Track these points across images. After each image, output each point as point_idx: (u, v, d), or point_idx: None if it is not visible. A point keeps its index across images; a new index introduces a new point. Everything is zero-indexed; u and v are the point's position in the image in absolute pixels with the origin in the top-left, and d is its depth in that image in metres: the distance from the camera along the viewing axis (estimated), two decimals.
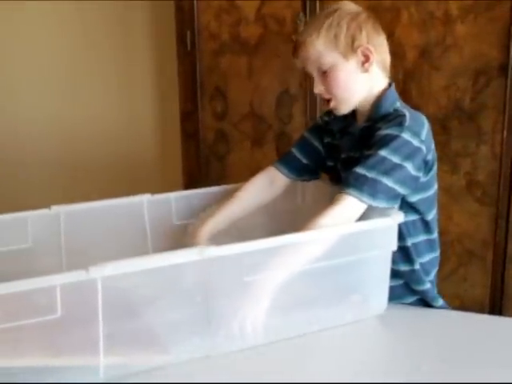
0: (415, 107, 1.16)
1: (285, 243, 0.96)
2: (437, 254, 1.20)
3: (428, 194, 1.14)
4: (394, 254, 1.08)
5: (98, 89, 2.46)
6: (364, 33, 1.10)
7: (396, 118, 1.09)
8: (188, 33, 2.03)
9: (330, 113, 1.23)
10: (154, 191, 1.30)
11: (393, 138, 1.05)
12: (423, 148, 1.07)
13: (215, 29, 2.01)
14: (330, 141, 1.26)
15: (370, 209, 1.04)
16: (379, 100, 1.14)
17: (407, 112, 1.09)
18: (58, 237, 1.20)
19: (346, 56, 1.10)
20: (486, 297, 1.77)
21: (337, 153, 1.23)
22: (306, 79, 1.89)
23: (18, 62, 2.40)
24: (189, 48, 2.04)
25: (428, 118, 1.12)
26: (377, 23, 1.14)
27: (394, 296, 1.13)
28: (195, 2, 2.00)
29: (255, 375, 0.92)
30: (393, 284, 1.12)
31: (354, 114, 1.19)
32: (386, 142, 1.05)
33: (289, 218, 1.34)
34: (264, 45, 1.94)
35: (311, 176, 1.32)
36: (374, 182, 1.03)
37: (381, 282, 1.08)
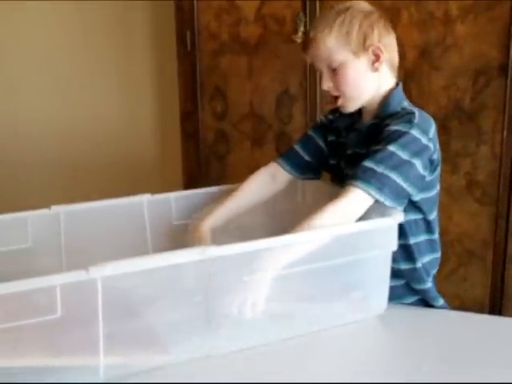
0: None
1: (285, 243, 0.96)
2: (437, 255, 1.20)
3: (431, 194, 1.14)
4: (396, 252, 1.07)
5: (98, 89, 2.46)
6: (376, 31, 1.10)
7: (405, 116, 1.09)
8: (188, 33, 2.03)
9: (335, 111, 1.23)
10: (154, 191, 1.30)
11: (402, 134, 1.05)
12: (431, 146, 1.08)
13: (215, 29, 2.01)
14: (335, 139, 1.26)
15: (371, 209, 1.04)
16: (386, 99, 1.14)
17: (416, 110, 1.10)
18: (57, 237, 1.20)
19: (356, 54, 1.10)
20: (485, 297, 1.77)
21: (341, 151, 1.23)
22: (306, 79, 1.89)
23: (18, 61, 2.40)
24: (189, 48, 2.04)
25: None
26: (387, 22, 1.14)
27: (395, 296, 1.13)
28: (195, 1, 2.00)
29: (255, 375, 0.92)
30: (393, 284, 1.12)
31: (360, 111, 1.19)
32: (395, 137, 1.05)
33: (289, 217, 1.34)
34: (264, 45, 1.94)
35: (312, 174, 1.31)
36: (382, 176, 1.03)
37: (381, 281, 1.08)
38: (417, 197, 1.10)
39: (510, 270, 1.72)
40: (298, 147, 1.30)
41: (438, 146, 1.12)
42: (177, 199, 1.30)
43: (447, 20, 1.67)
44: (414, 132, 1.06)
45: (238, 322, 0.98)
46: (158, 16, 2.39)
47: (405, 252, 1.13)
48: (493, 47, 1.63)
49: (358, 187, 1.02)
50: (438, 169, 1.14)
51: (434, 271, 1.20)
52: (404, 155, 1.04)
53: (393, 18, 1.70)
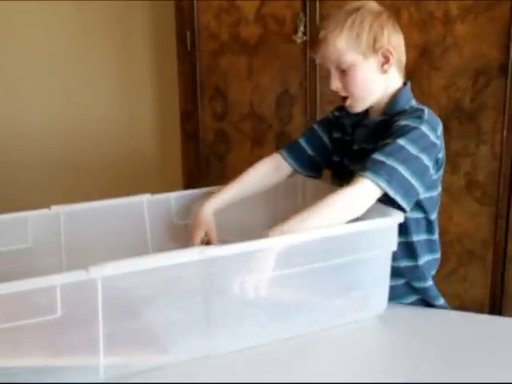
0: None
1: (285, 243, 0.96)
2: (437, 256, 1.20)
3: (434, 194, 1.15)
4: (398, 250, 1.07)
5: (98, 89, 2.46)
6: (386, 33, 1.11)
7: (415, 112, 1.10)
8: (188, 33, 2.03)
9: (341, 108, 1.23)
10: (154, 191, 1.30)
11: (411, 128, 1.06)
12: (438, 144, 1.08)
13: (215, 29, 2.01)
14: (340, 136, 1.26)
15: (371, 209, 1.04)
16: (395, 98, 1.15)
17: (425, 108, 1.10)
18: (57, 237, 1.19)
19: (366, 56, 1.10)
20: (485, 297, 1.77)
21: (345, 148, 1.23)
22: (306, 79, 1.89)
23: (18, 62, 2.40)
24: (189, 48, 2.04)
25: None
26: (396, 22, 1.15)
27: (395, 296, 1.14)
28: (195, 1, 2.00)
29: (255, 375, 0.92)
30: (393, 283, 1.12)
31: (367, 110, 1.19)
32: (404, 132, 1.05)
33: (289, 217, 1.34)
34: (264, 45, 1.94)
35: (313, 171, 1.31)
36: (391, 168, 1.02)
37: (381, 281, 1.08)
38: (421, 195, 1.10)
39: (510, 269, 1.72)
40: (302, 141, 1.30)
41: (443, 145, 1.12)
42: (177, 199, 1.30)
43: (447, 20, 1.67)
44: (424, 128, 1.06)
45: (238, 322, 0.98)
46: (158, 16, 2.39)
47: (407, 249, 1.13)
48: (493, 47, 1.63)
49: (367, 178, 1.02)
50: (442, 169, 1.14)
51: (433, 272, 1.20)
52: (413, 150, 1.04)
53: None
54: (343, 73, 1.12)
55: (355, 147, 1.19)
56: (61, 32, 2.38)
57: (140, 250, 1.20)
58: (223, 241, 1.19)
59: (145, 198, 1.27)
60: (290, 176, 1.31)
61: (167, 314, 0.93)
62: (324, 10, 1.80)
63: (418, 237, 1.15)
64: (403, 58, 1.16)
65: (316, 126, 1.31)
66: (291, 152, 1.29)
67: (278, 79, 1.95)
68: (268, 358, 0.98)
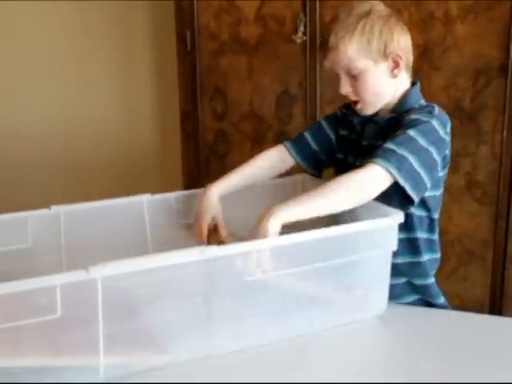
0: None
1: (285, 243, 0.96)
2: (436, 255, 1.20)
3: (438, 193, 1.15)
4: (401, 246, 1.08)
5: (98, 89, 2.46)
6: (395, 37, 1.11)
7: (425, 108, 1.11)
8: (188, 33, 2.03)
9: (349, 106, 1.23)
10: (154, 191, 1.30)
11: (422, 122, 1.07)
12: (447, 140, 1.09)
13: (215, 29, 2.01)
14: (347, 134, 1.26)
15: (371, 209, 1.04)
16: (404, 98, 1.16)
17: (435, 105, 1.12)
18: (57, 237, 1.19)
19: (376, 61, 1.11)
20: (485, 297, 1.77)
21: (351, 146, 1.23)
22: (306, 79, 1.89)
23: (18, 61, 2.40)
24: (189, 48, 2.04)
25: None
26: (403, 24, 1.15)
27: (394, 295, 1.14)
28: (195, 1, 2.00)
29: (255, 375, 0.92)
30: (394, 282, 1.12)
31: None
32: (415, 124, 1.06)
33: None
34: (264, 45, 1.94)
35: (314, 168, 1.32)
36: (402, 157, 1.03)
37: (381, 281, 1.08)
38: (426, 193, 1.10)
39: (510, 270, 1.72)
40: (307, 134, 1.30)
41: (450, 144, 1.13)
42: (177, 199, 1.30)
43: (447, 20, 1.67)
44: (434, 122, 1.07)
45: (238, 322, 0.98)
46: (158, 16, 2.39)
47: (410, 246, 1.14)
48: (493, 47, 1.63)
49: (378, 164, 1.02)
50: (446, 168, 1.15)
51: (434, 272, 1.20)
52: (423, 142, 1.04)
53: None
54: (353, 78, 1.13)
55: (364, 143, 1.20)
56: (61, 32, 2.38)
57: (140, 250, 1.20)
58: (229, 230, 1.19)
59: (145, 198, 1.27)
60: (291, 171, 1.32)
61: (167, 314, 0.93)
62: (324, 10, 1.81)
63: (421, 234, 1.15)
64: (411, 58, 1.17)
65: (323, 121, 1.31)
66: (296, 145, 1.30)
67: (277, 79, 1.95)
68: (268, 357, 0.98)
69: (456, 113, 1.69)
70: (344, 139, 1.27)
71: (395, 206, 1.05)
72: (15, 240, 1.17)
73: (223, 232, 1.19)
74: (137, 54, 2.45)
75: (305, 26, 1.84)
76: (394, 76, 1.13)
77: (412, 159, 1.03)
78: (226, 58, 2.02)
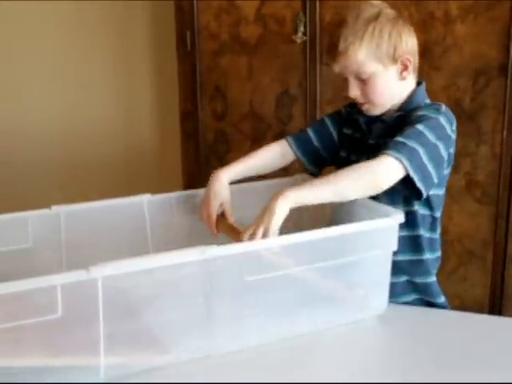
0: None
1: (285, 243, 0.96)
2: (437, 255, 1.20)
3: (441, 192, 1.16)
4: (404, 244, 1.08)
5: (98, 89, 2.46)
6: (404, 39, 1.12)
7: (432, 105, 1.13)
8: (188, 33, 2.03)
9: (354, 105, 1.23)
10: (153, 191, 1.30)
11: (430, 118, 1.08)
12: (453, 137, 1.10)
13: (215, 29, 2.01)
14: (351, 133, 1.26)
15: (371, 209, 1.04)
16: (410, 97, 1.16)
17: (442, 103, 1.13)
18: (58, 237, 1.19)
19: (386, 65, 1.12)
20: (485, 297, 1.77)
21: (355, 145, 1.24)
22: (306, 79, 1.89)
23: (18, 61, 2.40)
24: (189, 48, 2.04)
25: None
26: (410, 25, 1.15)
27: (395, 293, 1.14)
28: (195, 1, 2.00)
29: (255, 375, 0.92)
30: (394, 280, 1.12)
31: None
32: (423, 119, 1.07)
33: (290, 217, 1.34)
34: (264, 45, 1.94)
35: (314, 164, 1.31)
36: (412, 149, 1.03)
37: (381, 281, 1.09)
38: (430, 191, 1.10)
39: (510, 270, 1.72)
40: (309, 130, 1.30)
41: (455, 142, 1.13)
42: (177, 199, 1.30)
43: (447, 20, 1.67)
44: (442, 119, 1.08)
45: (238, 322, 0.98)
46: (158, 16, 2.39)
47: (413, 243, 1.14)
48: (493, 47, 1.63)
49: (390, 155, 1.02)
50: (450, 167, 1.15)
51: (435, 270, 1.21)
52: (431, 136, 1.05)
53: None
54: (362, 82, 1.13)
55: (371, 141, 1.20)
56: (60, 32, 2.38)
57: (140, 250, 1.20)
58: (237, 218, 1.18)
59: (145, 198, 1.27)
60: (289, 170, 1.32)
61: (167, 314, 0.93)
62: (324, 10, 1.80)
63: (423, 232, 1.16)
64: (417, 59, 1.18)
65: (326, 118, 1.31)
66: (298, 140, 1.30)
67: (277, 79, 1.95)
68: (268, 357, 0.98)
69: (456, 113, 1.67)
70: (348, 138, 1.27)
71: (401, 201, 1.05)
72: (15, 240, 1.17)
73: (230, 218, 1.19)
74: (137, 53, 2.45)
75: (305, 26, 1.84)
76: (403, 78, 1.14)
77: (421, 152, 1.04)
78: (225, 58, 2.02)
